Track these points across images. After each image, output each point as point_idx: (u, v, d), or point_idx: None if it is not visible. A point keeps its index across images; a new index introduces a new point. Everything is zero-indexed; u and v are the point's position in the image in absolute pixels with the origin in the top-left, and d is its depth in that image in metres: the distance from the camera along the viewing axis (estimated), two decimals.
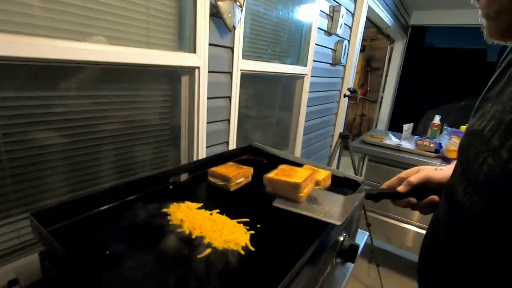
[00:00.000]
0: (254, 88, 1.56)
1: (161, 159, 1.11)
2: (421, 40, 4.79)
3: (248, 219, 0.63)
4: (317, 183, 0.79)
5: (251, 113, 1.59)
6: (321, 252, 0.57)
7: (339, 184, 0.87)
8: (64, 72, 0.77)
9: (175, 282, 0.45)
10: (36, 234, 0.53)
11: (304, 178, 0.65)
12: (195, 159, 1.14)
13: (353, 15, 2.39)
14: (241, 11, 1.14)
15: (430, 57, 4.75)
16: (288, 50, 1.72)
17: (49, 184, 0.80)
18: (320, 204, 0.63)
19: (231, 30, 1.14)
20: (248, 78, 1.40)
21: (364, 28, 2.57)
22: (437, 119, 2.08)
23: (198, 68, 1.06)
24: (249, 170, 0.85)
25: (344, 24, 2.17)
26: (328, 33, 2.05)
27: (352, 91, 1.83)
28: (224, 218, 0.64)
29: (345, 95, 1.88)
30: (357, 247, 0.66)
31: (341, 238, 0.67)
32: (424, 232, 0.73)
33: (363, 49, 5.02)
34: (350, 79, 2.57)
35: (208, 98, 1.14)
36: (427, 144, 1.83)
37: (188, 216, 0.63)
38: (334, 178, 0.88)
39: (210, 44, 1.08)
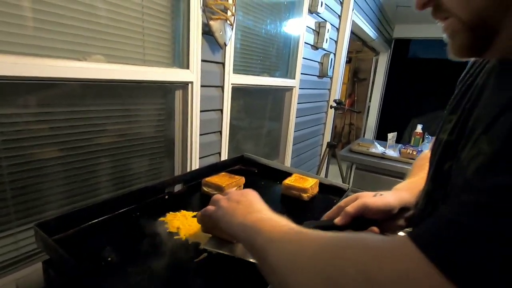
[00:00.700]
0: (245, 101, 1.62)
1: (156, 170, 1.14)
2: (405, 52, 5.00)
3: None
4: (305, 191, 0.85)
5: (242, 125, 1.65)
6: None
7: (326, 192, 0.92)
8: (63, 89, 0.81)
9: (175, 284, 0.49)
10: (41, 244, 0.56)
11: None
12: (188, 169, 1.18)
13: (338, 30, 2.50)
14: (232, 29, 1.21)
15: (413, 67, 4.95)
16: (277, 64, 1.80)
17: (49, 197, 0.83)
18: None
19: (222, 47, 1.21)
20: (239, 91, 1.46)
21: (349, 41, 2.70)
22: (419, 128, 2.19)
23: (191, 83, 1.11)
24: (241, 180, 0.89)
25: (330, 38, 2.27)
26: (315, 47, 2.15)
27: (338, 103, 1.91)
28: None
29: (331, 106, 1.96)
30: None
31: None
32: None
33: (349, 61, 5.19)
34: (337, 90, 2.67)
35: (201, 111, 1.19)
36: (410, 152, 1.92)
37: (184, 224, 0.67)
38: (321, 185, 0.94)
39: (202, 60, 1.14)
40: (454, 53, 0.34)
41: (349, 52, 3.36)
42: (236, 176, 0.89)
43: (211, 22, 1.10)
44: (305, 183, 0.88)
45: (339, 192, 0.92)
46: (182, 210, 0.73)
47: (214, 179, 0.86)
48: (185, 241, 0.62)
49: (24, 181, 0.78)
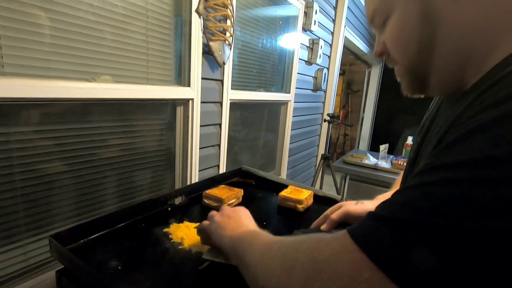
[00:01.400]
0: (242, 114, 1.68)
1: (158, 183, 1.19)
2: None
3: None
4: (300, 202, 0.90)
5: (240, 137, 1.71)
6: None
7: (321, 203, 0.98)
8: (72, 107, 0.87)
9: None
10: (55, 253, 0.61)
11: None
12: (188, 182, 1.22)
13: (331, 45, 2.61)
14: (230, 49, 1.28)
15: None
16: (273, 79, 1.88)
17: (57, 209, 0.87)
18: None
19: (221, 65, 1.28)
20: (236, 105, 1.52)
21: (342, 55, 2.81)
22: (409, 140, 2.27)
23: (192, 99, 1.17)
24: (239, 192, 0.94)
25: (323, 54, 2.37)
26: (309, 63, 2.25)
27: (332, 116, 1.99)
28: None
29: (325, 120, 2.04)
30: None
31: None
32: None
33: (343, 73, 5.34)
34: (331, 103, 2.76)
35: (201, 125, 1.25)
36: (402, 163, 1.99)
37: (188, 235, 0.71)
38: (316, 197, 0.99)
39: (202, 78, 1.21)
40: (404, 92, 0.44)
41: (342, 64, 3.49)
42: (235, 189, 0.94)
43: (211, 43, 1.18)
44: (300, 195, 0.93)
45: (333, 203, 0.97)
46: (185, 221, 0.78)
47: (214, 191, 0.91)
48: (189, 251, 0.66)
49: (35, 194, 0.82)
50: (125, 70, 0.97)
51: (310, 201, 0.96)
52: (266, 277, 0.35)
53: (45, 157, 0.83)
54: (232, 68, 1.39)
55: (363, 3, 3.29)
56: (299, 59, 2.04)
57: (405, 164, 1.99)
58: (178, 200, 0.94)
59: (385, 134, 4.96)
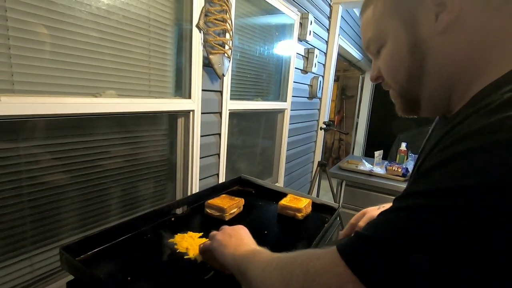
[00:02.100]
0: (241, 123, 1.72)
1: (159, 192, 1.22)
2: None
3: None
4: (299, 211, 0.93)
5: (238, 145, 1.74)
6: None
7: (319, 210, 1.01)
8: (76, 122, 0.90)
9: None
10: (65, 265, 0.63)
11: None
12: (189, 191, 1.25)
13: (325, 54, 2.68)
14: (229, 61, 1.32)
15: None
16: (269, 89, 1.93)
17: (62, 221, 0.89)
18: None
19: (220, 77, 1.32)
20: (235, 115, 1.56)
21: (337, 61, 2.87)
22: (403, 146, 2.32)
23: (193, 111, 1.21)
24: (241, 201, 0.97)
25: (318, 62, 2.43)
26: (304, 71, 2.30)
27: (327, 124, 2.04)
28: None
29: (321, 128, 2.08)
30: None
31: None
32: None
33: (337, 79, 5.42)
34: (326, 110, 2.82)
35: (201, 136, 1.28)
36: (396, 169, 2.04)
37: (193, 245, 0.74)
38: (314, 205, 1.02)
39: (203, 90, 1.24)
40: (398, 113, 0.48)
41: (337, 71, 3.56)
42: (236, 198, 0.97)
43: (211, 56, 1.21)
44: (299, 203, 0.96)
45: (330, 211, 1.01)
46: (189, 232, 0.80)
47: (216, 201, 0.94)
48: (194, 260, 0.69)
49: (41, 207, 0.84)
50: (128, 84, 1.00)
51: (309, 209, 1.00)
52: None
53: (50, 170, 0.85)
54: (231, 79, 1.43)
55: (356, 12, 3.38)
56: (295, 68, 2.10)
57: (399, 170, 2.04)
58: (180, 210, 0.96)
59: (379, 139, 5.03)
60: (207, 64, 1.24)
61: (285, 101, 2.06)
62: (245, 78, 1.65)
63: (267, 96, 1.91)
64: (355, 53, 3.60)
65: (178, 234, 0.79)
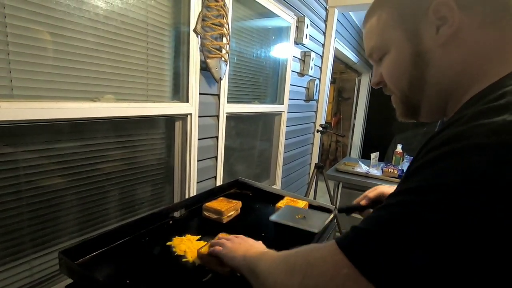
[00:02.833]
0: (238, 126, 1.73)
1: (157, 195, 1.22)
2: None
3: None
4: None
5: (236, 148, 1.75)
6: None
7: None
8: (74, 126, 0.90)
9: None
10: (65, 269, 0.63)
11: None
12: (187, 194, 1.26)
13: (322, 57, 2.70)
14: (226, 65, 1.33)
15: None
16: (266, 91, 1.94)
17: (61, 224, 0.89)
18: (306, 220, 0.87)
19: (218, 81, 1.33)
20: (232, 117, 1.57)
21: (333, 64, 2.90)
22: (399, 148, 2.35)
23: (190, 114, 1.22)
24: (238, 204, 0.98)
25: (315, 65, 2.45)
26: (301, 74, 2.32)
27: (324, 127, 2.05)
28: None
29: (318, 131, 2.10)
30: None
31: None
32: None
33: (334, 81, 5.46)
34: (323, 112, 2.84)
35: (199, 139, 1.29)
36: (391, 170, 2.06)
37: (191, 247, 0.75)
38: (311, 207, 1.04)
39: (200, 93, 1.26)
40: (399, 118, 0.50)
41: (333, 73, 3.58)
42: (234, 201, 0.98)
43: (208, 60, 1.23)
44: (296, 206, 0.98)
45: (327, 212, 1.02)
46: (187, 234, 0.81)
47: (214, 204, 0.95)
48: (193, 263, 0.70)
49: (40, 211, 0.84)
50: (126, 89, 1.01)
51: None
52: (273, 279, 0.44)
53: (49, 174, 0.85)
54: (228, 83, 1.44)
55: (352, 16, 3.41)
56: (292, 71, 2.11)
57: (395, 172, 2.06)
58: (177, 213, 0.97)
59: (376, 140, 5.06)
60: (205, 68, 1.25)
61: (282, 103, 2.08)
62: (242, 81, 1.67)
63: (264, 99, 1.93)
64: (351, 55, 3.63)
65: (176, 237, 0.80)
